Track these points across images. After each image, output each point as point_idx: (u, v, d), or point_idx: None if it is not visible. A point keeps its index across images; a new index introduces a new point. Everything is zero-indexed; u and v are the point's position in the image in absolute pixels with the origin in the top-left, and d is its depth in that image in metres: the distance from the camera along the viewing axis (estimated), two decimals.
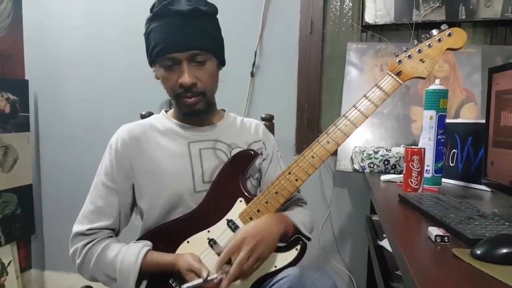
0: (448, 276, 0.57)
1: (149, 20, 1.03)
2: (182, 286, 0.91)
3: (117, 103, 2.22)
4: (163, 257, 0.99)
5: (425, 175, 1.18)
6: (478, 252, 0.61)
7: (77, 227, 1.05)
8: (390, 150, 1.51)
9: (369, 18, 1.85)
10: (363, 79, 1.84)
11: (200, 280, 0.90)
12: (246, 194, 1.05)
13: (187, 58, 1.00)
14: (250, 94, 2.04)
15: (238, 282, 0.95)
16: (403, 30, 1.86)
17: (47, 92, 2.31)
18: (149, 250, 1.00)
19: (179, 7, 0.99)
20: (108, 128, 2.17)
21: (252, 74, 2.02)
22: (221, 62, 1.11)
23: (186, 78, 1.00)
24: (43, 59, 2.30)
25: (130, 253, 0.99)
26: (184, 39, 0.99)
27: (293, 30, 1.98)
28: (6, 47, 2.21)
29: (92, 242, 1.03)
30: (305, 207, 1.22)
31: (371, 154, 1.52)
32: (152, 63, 1.08)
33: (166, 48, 0.99)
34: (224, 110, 1.22)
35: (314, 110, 2.00)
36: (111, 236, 1.07)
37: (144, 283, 1.00)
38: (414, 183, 1.11)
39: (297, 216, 1.09)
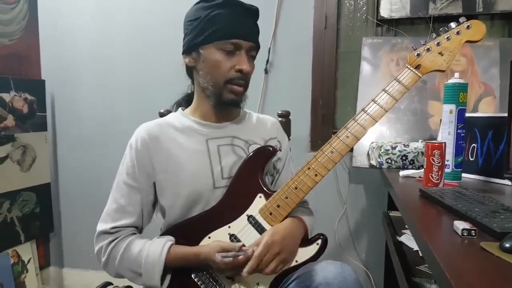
0: (478, 268, 0.56)
1: (213, 6, 1.04)
2: (219, 256, 0.94)
3: (131, 102, 2.24)
4: (187, 249, 1.01)
5: (445, 170, 1.17)
6: (508, 245, 0.60)
7: (101, 226, 1.06)
8: (408, 145, 1.50)
9: (384, 12, 1.84)
10: (378, 74, 1.83)
11: (234, 253, 0.94)
12: (265, 189, 1.05)
13: (247, 49, 1.05)
14: (264, 91, 2.04)
15: (259, 275, 0.96)
16: (419, 24, 1.84)
17: (63, 92, 2.34)
18: (172, 244, 1.02)
19: (246, 4, 1.06)
20: (123, 127, 2.22)
21: (266, 71, 2.02)
22: None
23: (247, 65, 1.04)
24: (58, 60, 2.33)
25: (154, 248, 1.00)
26: (250, 30, 1.06)
27: (307, 26, 1.97)
28: (23, 49, 2.24)
29: (116, 240, 1.04)
30: (310, 210, 1.24)
31: (389, 149, 1.51)
32: (202, 45, 1.05)
33: (234, 32, 1.03)
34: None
35: (329, 106, 1.99)
36: (135, 233, 1.08)
37: (168, 277, 1.02)
38: (435, 177, 1.10)
39: (308, 222, 1.12)
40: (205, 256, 0.97)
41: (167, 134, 1.10)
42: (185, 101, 1.22)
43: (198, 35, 1.05)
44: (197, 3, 1.08)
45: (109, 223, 1.06)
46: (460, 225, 0.71)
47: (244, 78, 1.06)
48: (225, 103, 1.08)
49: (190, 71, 1.14)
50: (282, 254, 0.97)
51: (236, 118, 1.18)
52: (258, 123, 1.22)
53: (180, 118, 1.14)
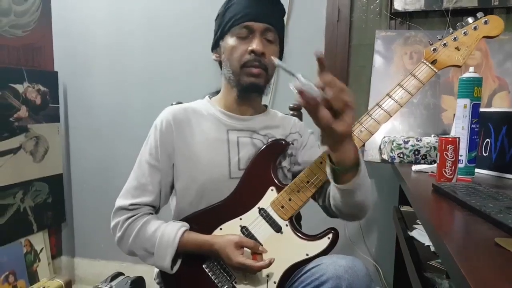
0: (493, 264, 0.56)
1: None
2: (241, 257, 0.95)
3: (144, 94, 2.25)
4: (201, 237, 1.02)
5: (459, 165, 1.16)
6: None
7: (120, 201, 1.08)
8: (420, 140, 1.49)
9: (398, 5, 1.81)
10: (392, 68, 1.81)
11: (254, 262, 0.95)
12: (277, 183, 1.05)
13: (261, 31, 1.05)
14: (275, 84, 2.03)
15: (269, 268, 0.97)
16: (433, 17, 1.81)
17: (76, 83, 2.36)
18: (186, 229, 1.03)
19: None
20: (135, 119, 2.24)
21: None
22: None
23: (258, 45, 1.04)
24: (71, 51, 2.34)
25: (169, 230, 1.02)
26: (263, 11, 1.06)
27: (319, 18, 1.95)
28: (36, 40, 2.26)
29: (134, 217, 1.06)
30: None
31: (401, 144, 1.50)
32: (222, 37, 1.10)
33: (245, 16, 1.04)
34: (266, 106, 1.23)
35: None
36: (152, 213, 1.10)
37: (179, 261, 1.04)
38: (448, 173, 1.09)
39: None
40: (219, 247, 0.97)
41: (191, 120, 1.12)
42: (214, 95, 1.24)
43: (218, 30, 1.11)
44: None
45: (128, 199, 1.07)
46: None
47: (258, 60, 1.04)
48: (246, 87, 1.08)
49: (220, 66, 1.16)
50: None
51: (260, 114, 1.18)
52: (282, 120, 1.22)
53: (206, 105, 1.17)
